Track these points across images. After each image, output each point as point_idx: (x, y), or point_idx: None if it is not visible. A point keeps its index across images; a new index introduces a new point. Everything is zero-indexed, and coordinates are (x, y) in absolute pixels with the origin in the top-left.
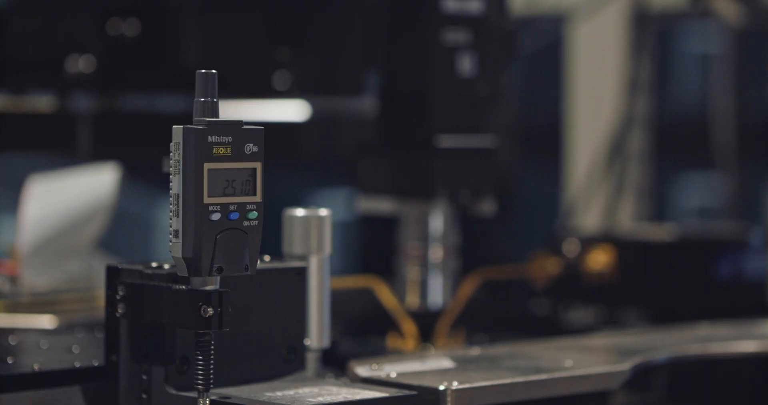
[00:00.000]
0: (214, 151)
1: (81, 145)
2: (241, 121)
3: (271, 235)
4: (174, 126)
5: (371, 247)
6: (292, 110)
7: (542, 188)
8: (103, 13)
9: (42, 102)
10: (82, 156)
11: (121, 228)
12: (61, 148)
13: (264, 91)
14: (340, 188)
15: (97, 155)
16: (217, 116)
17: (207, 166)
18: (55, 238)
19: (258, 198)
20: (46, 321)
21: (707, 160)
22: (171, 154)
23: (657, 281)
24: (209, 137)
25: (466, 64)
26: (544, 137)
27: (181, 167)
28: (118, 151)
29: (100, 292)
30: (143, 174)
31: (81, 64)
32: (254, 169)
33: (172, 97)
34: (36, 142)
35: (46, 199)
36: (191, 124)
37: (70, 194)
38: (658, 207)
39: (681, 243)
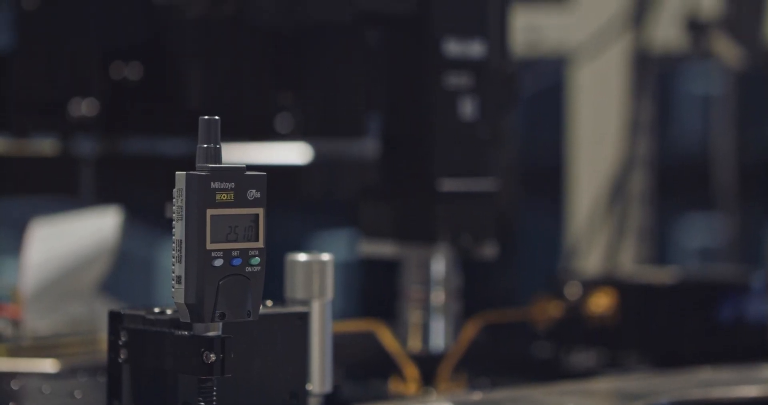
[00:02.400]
0: (217, 197)
1: (84, 188)
2: (244, 167)
3: (273, 278)
4: (177, 172)
5: (373, 290)
6: (294, 153)
7: (544, 229)
8: (106, 57)
9: (45, 145)
10: (85, 199)
11: (124, 269)
12: (64, 191)
13: (266, 133)
14: (341, 229)
15: (99, 198)
16: (220, 162)
17: (210, 212)
18: (58, 282)
19: (260, 244)
20: (48, 365)
21: (709, 200)
22: (174, 199)
23: (659, 324)
24: (212, 183)
25: (467, 108)
26: (545, 178)
27: (183, 213)
28: (121, 194)
29: (103, 336)
30: (145, 215)
31: (84, 107)
32: (257, 215)
33: (175, 140)
34: (38, 185)
35: (49, 243)
36: (194, 168)
37: (72, 237)
38: (660, 248)
39: (682, 286)
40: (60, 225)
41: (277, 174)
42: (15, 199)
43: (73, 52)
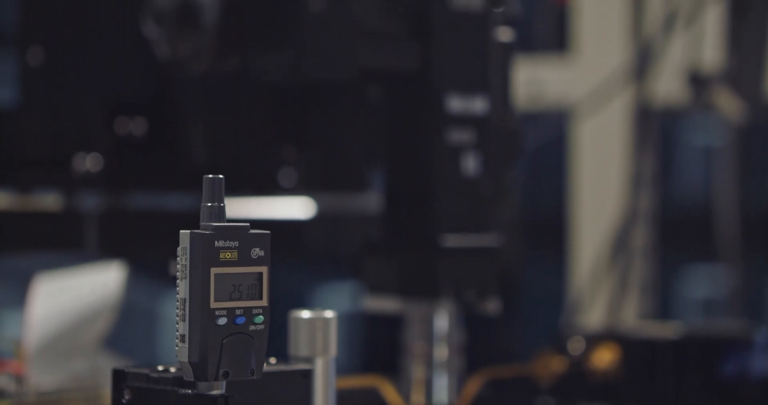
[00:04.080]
0: (221, 255)
1: (88, 243)
2: (248, 226)
3: (276, 334)
4: (181, 231)
5: (376, 344)
6: (297, 207)
7: (547, 283)
8: (110, 112)
9: (48, 200)
10: (89, 254)
11: (127, 323)
12: (68, 246)
13: (269, 188)
14: (344, 282)
15: (103, 253)
16: (224, 220)
17: (214, 270)
18: (62, 337)
19: (264, 302)
20: None
21: (711, 252)
22: (178, 258)
23: (662, 380)
24: (216, 242)
25: (470, 164)
26: (548, 231)
27: (188, 272)
28: (125, 249)
29: (106, 392)
30: (149, 269)
31: (88, 162)
32: (260, 274)
33: (179, 196)
34: (42, 240)
35: (53, 298)
36: (197, 223)
37: (76, 293)
38: (663, 300)
39: (685, 341)
40: (64, 280)
41: (280, 228)
42: (19, 254)
43: (78, 108)
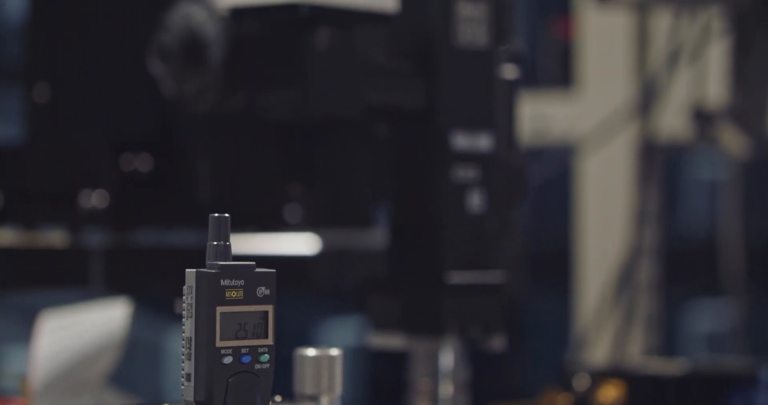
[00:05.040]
0: (227, 294)
1: (93, 279)
2: (253, 265)
3: (282, 371)
4: (187, 270)
5: (381, 381)
6: (302, 243)
7: (552, 318)
8: (116, 149)
9: (54, 237)
10: (95, 290)
11: (132, 359)
12: (74, 282)
13: (275, 224)
14: (349, 317)
15: (109, 290)
16: (230, 259)
17: (219, 309)
18: (67, 374)
19: (270, 341)
20: None
21: (717, 286)
22: (184, 297)
23: None
24: (222, 281)
25: (475, 201)
26: (553, 266)
27: (193, 311)
28: (130, 286)
29: None
30: (154, 303)
31: (94, 199)
32: (266, 312)
33: (185, 232)
34: (48, 277)
35: (58, 335)
36: (203, 260)
37: (81, 330)
38: (669, 335)
39: (691, 377)
40: (69, 317)
41: (285, 264)
42: (25, 290)
43: (84, 144)
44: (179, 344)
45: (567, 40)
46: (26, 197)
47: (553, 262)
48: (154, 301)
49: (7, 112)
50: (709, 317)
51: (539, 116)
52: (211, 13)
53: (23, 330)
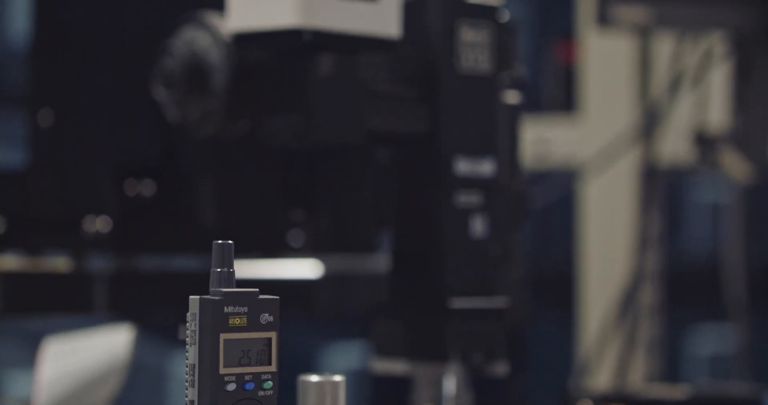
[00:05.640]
0: (230, 321)
1: (97, 305)
2: (257, 292)
3: (285, 396)
4: (191, 296)
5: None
6: (305, 268)
7: (555, 342)
8: (120, 174)
9: (58, 262)
10: (98, 316)
11: (135, 381)
12: (77, 308)
13: (278, 249)
14: (353, 341)
15: (113, 315)
16: (233, 286)
17: (223, 336)
18: (71, 400)
19: (273, 367)
20: None
21: (719, 310)
22: (187, 323)
23: None
24: (225, 308)
25: (478, 226)
26: (556, 290)
27: (197, 338)
28: (134, 311)
29: None
30: (158, 327)
31: (98, 224)
32: (270, 339)
33: (188, 258)
34: (52, 302)
35: (62, 361)
36: (206, 285)
37: (85, 355)
38: (670, 359)
39: (693, 402)
40: (73, 342)
41: (288, 289)
42: (29, 316)
43: (87, 170)
44: (183, 370)
45: (569, 64)
46: (30, 222)
47: (555, 286)
48: (157, 326)
49: (12, 136)
50: (712, 342)
51: (542, 140)
52: (214, 38)
53: (27, 355)
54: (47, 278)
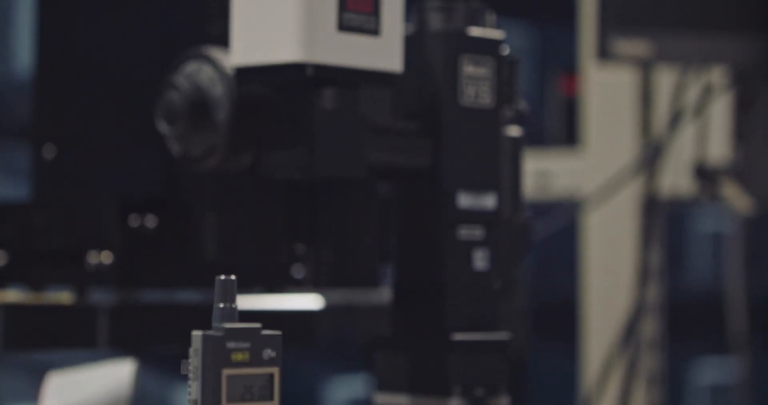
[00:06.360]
0: (233, 357)
1: (100, 339)
2: (260, 327)
3: None
4: (193, 332)
5: None
6: (307, 300)
7: (557, 373)
8: (123, 207)
9: (61, 296)
10: (101, 349)
11: None
12: (80, 342)
13: (280, 283)
14: (355, 373)
15: (115, 348)
16: (236, 320)
17: (225, 372)
18: None
19: (275, 403)
20: None
21: (720, 342)
22: (190, 359)
23: None
24: (228, 343)
25: (479, 260)
26: (558, 321)
27: (200, 373)
28: (136, 343)
29: None
30: (161, 360)
31: (101, 257)
32: (272, 375)
33: (191, 291)
34: (55, 336)
35: (65, 395)
36: (209, 318)
37: (88, 389)
38: (672, 391)
39: None
40: (75, 376)
41: (291, 320)
42: (31, 350)
43: (90, 203)
44: (185, 402)
45: (571, 97)
46: (32, 256)
47: (558, 317)
48: (160, 359)
49: (14, 170)
50: (714, 373)
51: (544, 172)
52: (217, 73)
53: (30, 388)
54: (50, 312)
